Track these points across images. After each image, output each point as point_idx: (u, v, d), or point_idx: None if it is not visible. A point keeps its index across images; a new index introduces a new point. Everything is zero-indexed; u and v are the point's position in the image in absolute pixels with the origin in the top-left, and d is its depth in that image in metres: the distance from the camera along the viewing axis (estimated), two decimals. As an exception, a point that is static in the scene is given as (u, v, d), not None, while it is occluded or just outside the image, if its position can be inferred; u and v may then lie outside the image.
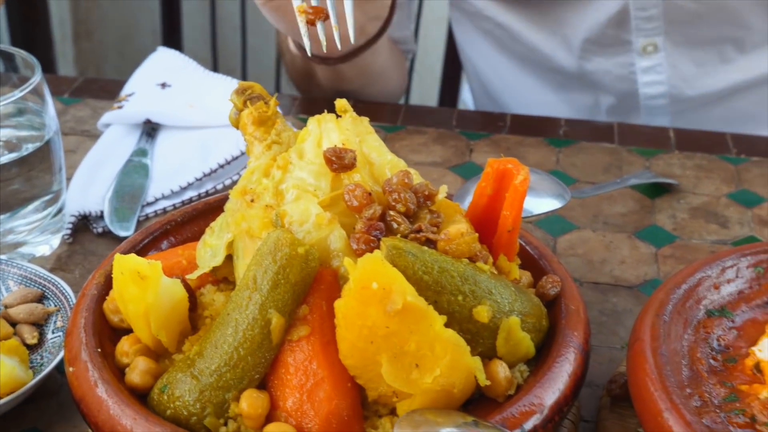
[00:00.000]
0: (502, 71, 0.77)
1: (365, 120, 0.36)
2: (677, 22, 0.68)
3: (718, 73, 0.72)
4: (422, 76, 0.97)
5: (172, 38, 1.08)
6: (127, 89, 0.55)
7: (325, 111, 0.35)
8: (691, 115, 0.76)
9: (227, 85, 0.54)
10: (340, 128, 0.34)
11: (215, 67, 1.11)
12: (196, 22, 1.14)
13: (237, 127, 0.37)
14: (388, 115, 0.57)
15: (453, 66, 0.84)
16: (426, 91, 1.00)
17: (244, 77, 1.09)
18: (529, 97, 0.78)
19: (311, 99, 0.61)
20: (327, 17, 0.45)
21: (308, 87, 0.66)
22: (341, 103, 0.36)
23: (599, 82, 0.73)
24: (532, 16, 0.72)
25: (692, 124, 0.73)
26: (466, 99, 0.85)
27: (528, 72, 0.76)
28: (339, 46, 0.45)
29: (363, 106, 0.57)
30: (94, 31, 1.29)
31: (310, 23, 0.45)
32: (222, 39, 1.11)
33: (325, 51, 0.45)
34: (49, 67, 1.09)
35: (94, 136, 0.51)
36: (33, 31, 1.15)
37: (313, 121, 0.35)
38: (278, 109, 0.37)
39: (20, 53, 0.45)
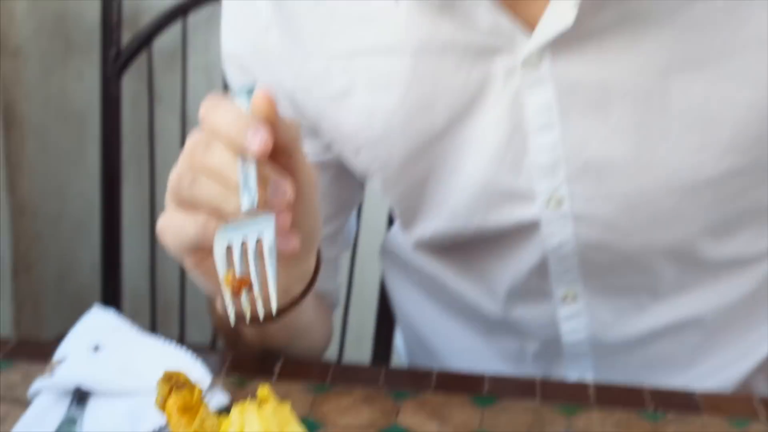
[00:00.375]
0: (432, 318, 0.79)
1: (287, 408, 0.37)
2: (594, 273, 0.72)
3: (635, 319, 0.74)
4: (357, 323, 1.03)
5: (112, 273, 1.12)
6: (59, 354, 0.56)
7: (249, 397, 0.37)
8: (612, 360, 0.76)
9: (160, 350, 0.57)
10: (261, 418, 0.36)
11: (153, 303, 1.15)
12: (136, 255, 1.23)
13: (163, 411, 0.38)
14: (317, 373, 0.59)
15: (387, 312, 0.90)
16: (361, 337, 1.05)
17: (182, 314, 1.15)
18: (458, 342, 0.78)
19: (241, 358, 0.63)
20: (251, 287, 0.45)
21: (236, 344, 0.68)
22: (263, 392, 0.37)
23: (524, 329, 0.75)
24: (459, 267, 0.75)
25: (614, 369, 0.75)
26: (399, 345, 0.89)
27: (456, 319, 0.79)
28: (261, 317, 0.47)
29: (292, 365, 0.60)
30: (34, 265, 1.33)
31: (235, 294, 0.46)
32: (162, 276, 1.18)
33: (247, 322, 0.47)
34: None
35: (24, 403, 0.51)
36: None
37: (235, 411, 0.36)
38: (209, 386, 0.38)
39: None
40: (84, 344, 0.60)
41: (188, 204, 0.45)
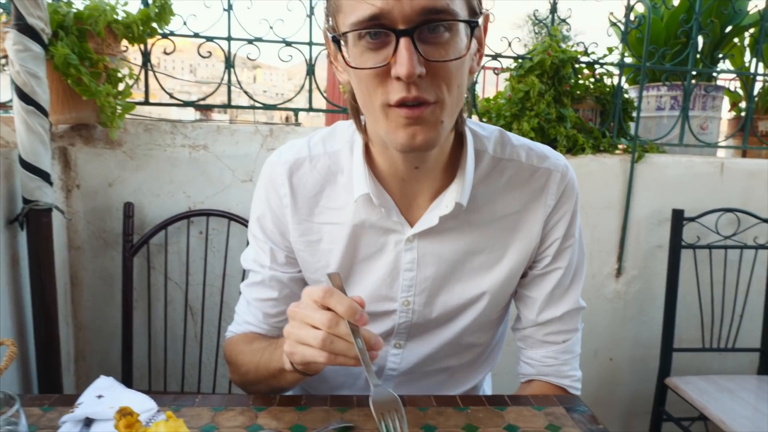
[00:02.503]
0: None
1: (181, 421, 0.56)
2: (414, 335, 0.93)
3: (426, 362, 0.96)
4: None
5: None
6: (78, 401, 0.78)
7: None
8: (408, 382, 0.98)
9: (136, 397, 0.78)
10: (167, 426, 0.57)
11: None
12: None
13: (116, 429, 0.58)
14: (218, 401, 0.79)
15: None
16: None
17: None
18: (330, 369, 0.99)
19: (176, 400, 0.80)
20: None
21: (264, 390, 0.85)
22: (168, 413, 0.57)
23: None
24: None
25: (408, 387, 0.98)
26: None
27: None
28: None
29: (203, 398, 0.78)
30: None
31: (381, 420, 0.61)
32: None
33: None
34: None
35: (56, 428, 0.72)
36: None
37: (154, 425, 0.57)
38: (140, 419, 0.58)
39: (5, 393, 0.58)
40: (93, 394, 0.79)
41: (329, 351, 0.64)
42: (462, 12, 0.67)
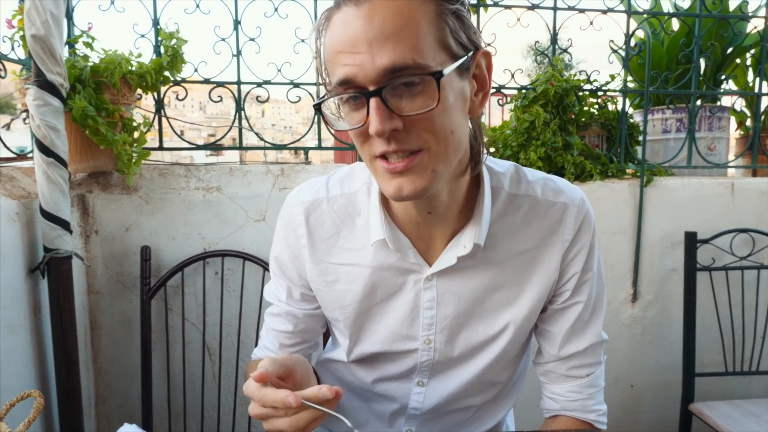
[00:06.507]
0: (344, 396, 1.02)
1: None
2: (436, 372, 0.94)
3: (449, 399, 0.96)
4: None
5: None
6: None
7: None
8: (429, 421, 0.98)
9: None
10: None
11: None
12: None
13: None
14: None
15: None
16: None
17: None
18: (352, 401, 1.02)
19: None
20: None
21: None
22: None
23: (391, 397, 0.98)
24: (369, 367, 0.96)
25: (428, 426, 0.98)
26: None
27: (355, 394, 1.02)
28: None
29: None
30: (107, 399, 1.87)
31: None
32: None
33: None
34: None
35: None
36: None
37: None
38: None
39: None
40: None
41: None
42: (435, 59, 0.65)
